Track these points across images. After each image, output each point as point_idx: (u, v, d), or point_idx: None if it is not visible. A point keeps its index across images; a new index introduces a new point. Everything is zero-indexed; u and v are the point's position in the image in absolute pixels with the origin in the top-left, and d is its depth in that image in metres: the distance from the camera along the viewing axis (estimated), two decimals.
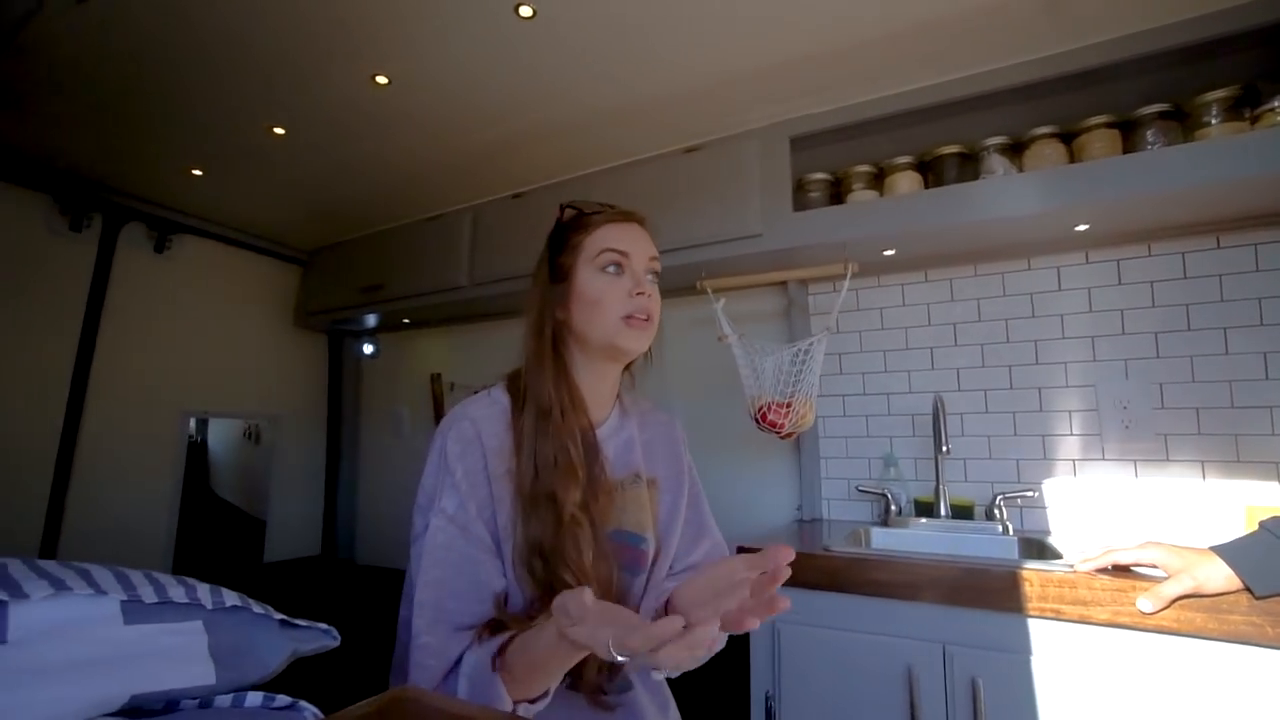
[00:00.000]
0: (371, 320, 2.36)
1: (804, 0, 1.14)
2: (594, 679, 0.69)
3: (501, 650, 0.62)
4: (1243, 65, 1.18)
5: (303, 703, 0.42)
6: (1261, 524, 0.85)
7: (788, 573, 0.52)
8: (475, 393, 0.79)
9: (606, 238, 0.76)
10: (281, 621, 0.45)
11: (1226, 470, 1.27)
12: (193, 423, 2.33)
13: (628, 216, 0.80)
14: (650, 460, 0.83)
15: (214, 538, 2.52)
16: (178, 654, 0.39)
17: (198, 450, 2.50)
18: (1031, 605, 0.92)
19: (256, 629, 0.43)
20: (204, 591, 0.43)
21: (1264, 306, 1.26)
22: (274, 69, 1.32)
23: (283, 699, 0.42)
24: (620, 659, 0.49)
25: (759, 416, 1.45)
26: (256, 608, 0.44)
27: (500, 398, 0.77)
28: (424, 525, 0.70)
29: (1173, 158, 1.12)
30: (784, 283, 1.71)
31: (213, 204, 2.08)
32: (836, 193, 1.49)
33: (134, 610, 0.39)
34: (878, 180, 1.43)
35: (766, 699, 1.13)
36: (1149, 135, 1.17)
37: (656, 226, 0.83)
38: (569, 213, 0.82)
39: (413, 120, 1.53)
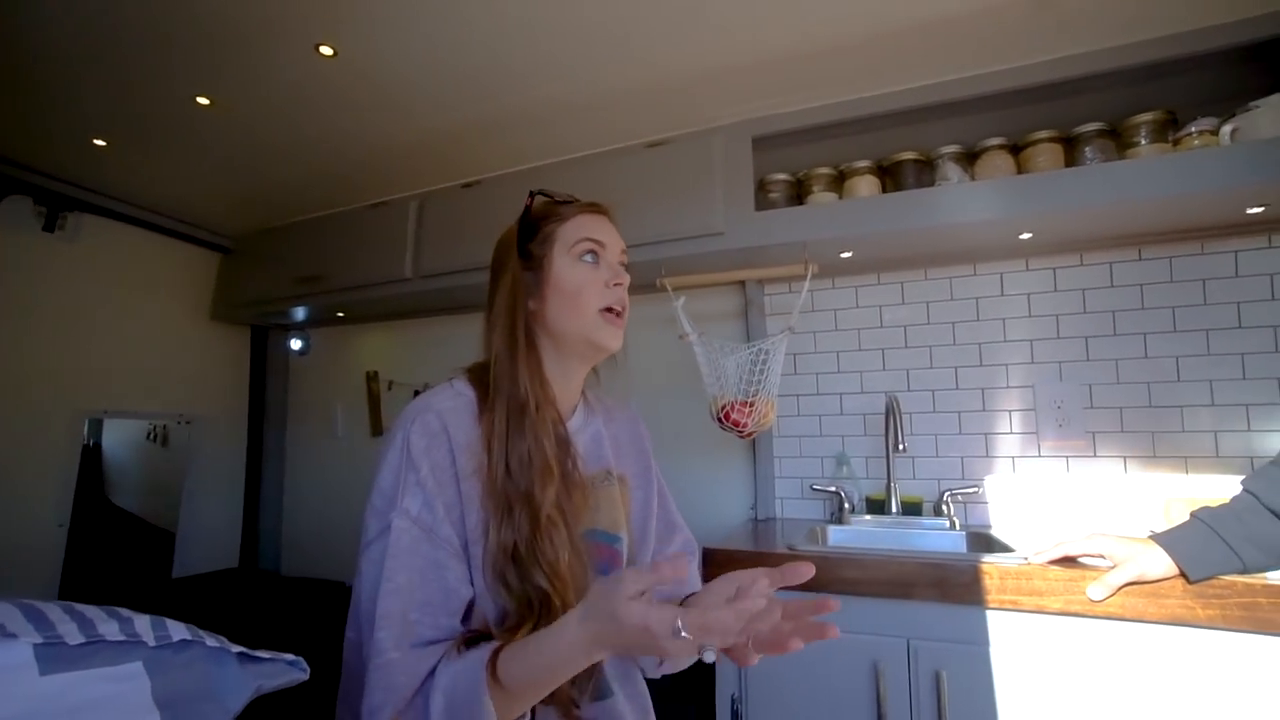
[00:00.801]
0: (301, 313, 2.18)
1: (771, 2, 1.13)
2: (567, 691, 0.64)
3: (493, 659, 0.55)
4: (1169, 92, 1.27)
5: None
6: (1193, 514, 0.91)
7: (835, 607, 0.55)
8: (418, 391, 0.72)
9: (583, 227, 0.73)
10: (241, 655, 0.38)
11: (1145, 464, 1.37)
12: (85, 424, 2.07)
13: (598, 208, 0.77)
14: (619, 457, 0.80)
15: (111, 553, 2.26)
16: (114, 706, 0.32)
17: (91, 455, 2.24)
18: (991, 598, 0.95)
19: (212, 666, 0.37)
20: (144, 625, 0.36)
21: (1177, 315, 1.37)
22: (200, 28, 1.18)
23: None
24: (684, 637, 0.46)
25: (721, 416, 1.44)
26: (210, 640, 0.38)
27: (464, 390, 0.71)
28: (379, 529, 0.63)
29: (1106, 174, 1.20)
30: (742, 282, 1.72)
31: (118, 179, 1.86)
32: (797, 194, 1.51)
33: (53, 655, 0.31)
34: (838, 182, 1.46)
35: (733, 702, 1.12)
36: (1088, 151, 1.25)
37: (631, 216, 0.80)
38: (540, 200, 0.78)
39: (359, 99, 1.42)
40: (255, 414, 2.41)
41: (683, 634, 0.46)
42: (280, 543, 2.38)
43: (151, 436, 2.48)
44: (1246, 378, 1.32)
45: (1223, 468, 1.31)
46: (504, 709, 0.54)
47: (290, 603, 1.87)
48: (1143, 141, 1.23)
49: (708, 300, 1.74)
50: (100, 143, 1.62)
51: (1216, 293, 1.34)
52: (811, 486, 1.61)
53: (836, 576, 1.04)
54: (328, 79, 1.34)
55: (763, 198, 1.52)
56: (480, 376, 0.72)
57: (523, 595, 0.62)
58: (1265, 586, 0.84)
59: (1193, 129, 1.20)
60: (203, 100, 1.41)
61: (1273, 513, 0.84)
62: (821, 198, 1.45)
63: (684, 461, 1.72)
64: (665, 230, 1.50)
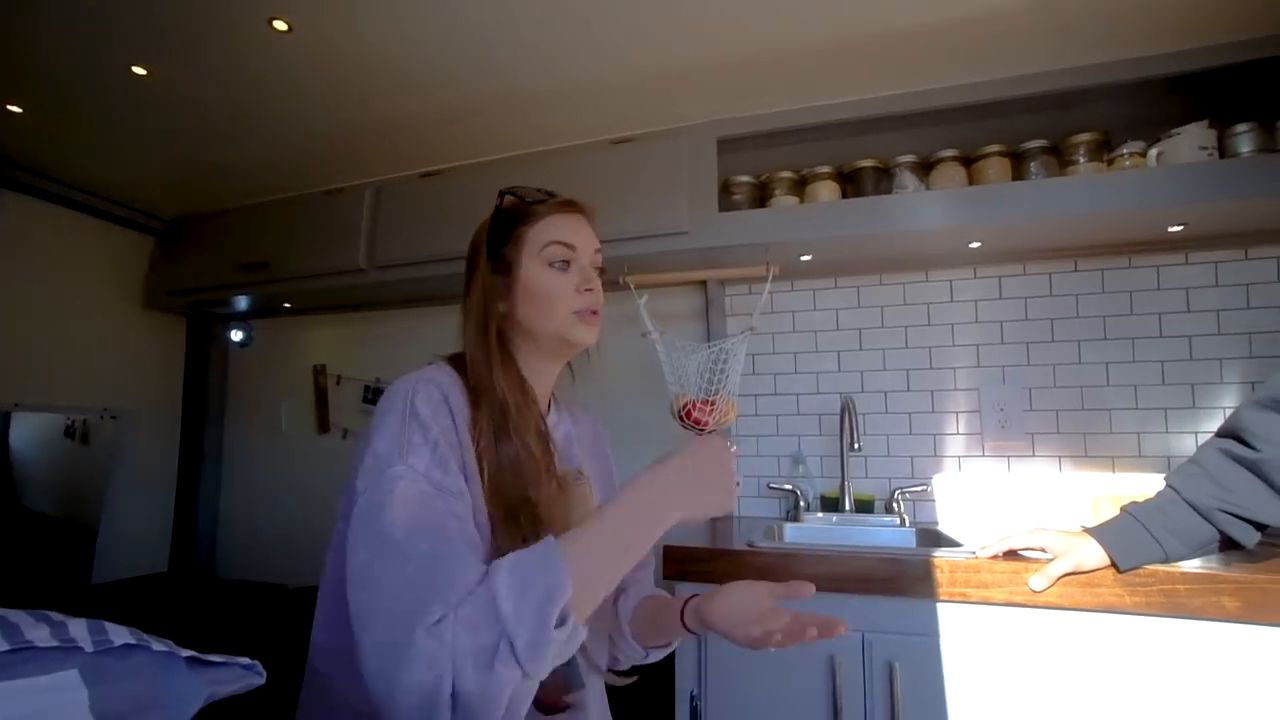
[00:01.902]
0: (244, 303, 2.07)
1: (739, 4, 1.15)
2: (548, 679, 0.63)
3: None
4: (1105, 114, 1.36)
5: None
6: (1124, 509, 0.98)
7: (843, 631, 0.62)
8: (369, 387, 0.70)
9: (554, 230, 0.72)
10: (190, 660, 0.36)
11: (1077, 464, 1.46)
12: None
13: (572, 206, 0.75)
14: (584, 456, 0.81)
15: (20, 558, 2.09)
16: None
17: None
18: (942, 590, 0.99)
19: (159, 673, 0.34)
20: (80, 629, 0.33)
21: (1107, 324, 1.47)
22: None
23: None
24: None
25: (683, 414, 1.45)
26: (157, 644, 0.35)
27: (454, 374, 0.69)
28: (369, 485, 0.56)
29: (1048, 189, 1.27)
30: (703, 282, 1.73)
31: (35, 150, 1.71)
32: (760, 196, 1.53)
33: None
34: (799, 187, 1.49)
35: (691, 699, 1.12)
36: (1033, 166, 1.32)
37: (598, 216, 0.79)
38: (510, 200, 0.76)
39: (314, 79, 1.36)
40: (190, 409, 2.26)
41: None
42: (216, 545, 2.24)
43: (70, 432, 2.30)
44: (1165, 383, 1.42)
45: (1145, 467, 1.41)
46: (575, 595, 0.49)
47: (228, 608, 1.76)
48: (1081, 160, 1.31)
49: (670, 299, 1.75)
50: (15, 109, 1.49)
51: (1141, 304, 1.44)
52: (768, 485, 1.64)
53: (795, 572, 1.06)
54: (281, 56, 1.27)
55: (726, 199, 1.54)
56: (460, 366, 0.71)
57: None
58: (1183, 574, 0.91)
59: (1124, 151, 1.28)
60: (139, 70, 1.31)
61: (1191, 505, 0.90)
62: (783, 201, 1.48)
63: (642, 459, 1.69)
64: (629, 228, 1.49)
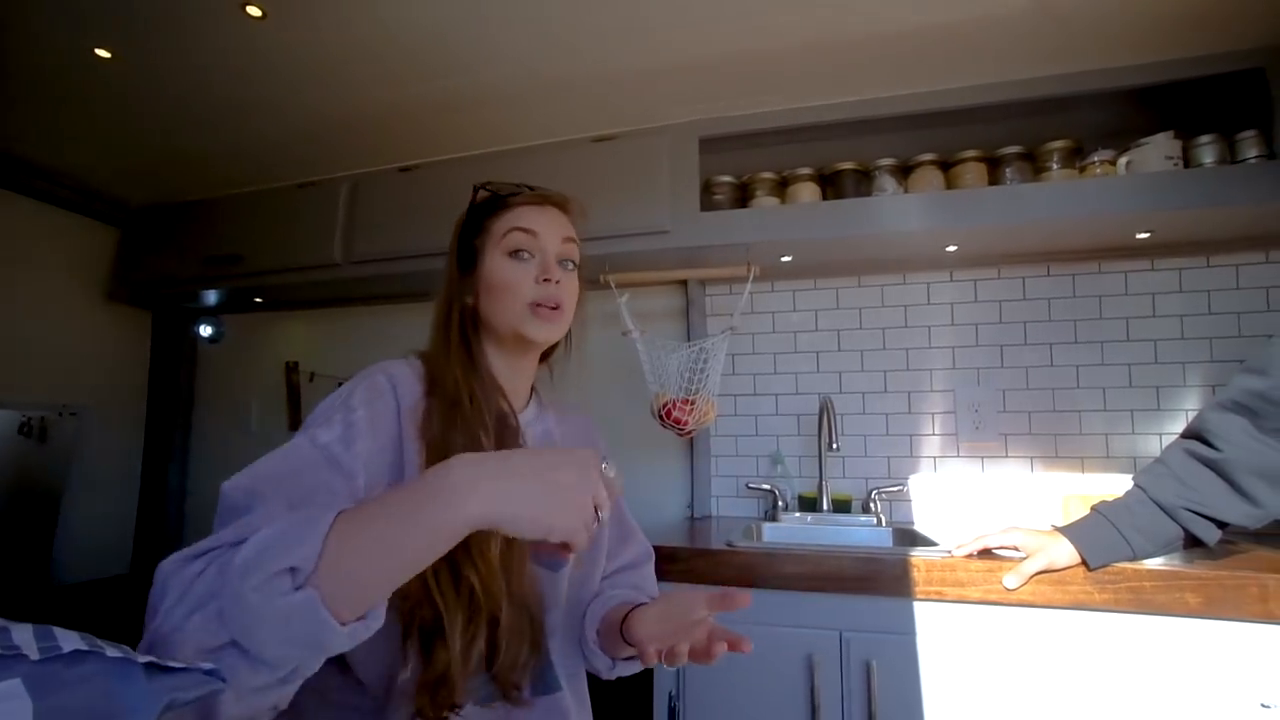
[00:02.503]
0: (214, 298, 2.01)
1: (721, 6, 1.15)
2: (510, 676, 0.61)
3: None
4: (1078, 122, 1.39)
5: None
6: (1094, 508, 1.00)
7: (745, 603, 0.56)
8: (343, 384, 0.68)
9: (515, 218, 0.71)
10: (148, 666, 0.34)
11: (1049, 464, 1.49)
12: None
13: (545, 199, 0.74)
14: None
15: None
16: None
17: None
18: (919, 589, 1.00)
19: (113, 682, 0.32)
20: (24, 635, 0.31)
21: (1078, 327, 1.50)
22: None
23: None
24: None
25: (663, 413, 1.45)
26: (111, 651, 0.33)
27: (419, 367, 0.69)
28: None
29: (1023, 194, 1.29)
30: (684, 282, 1.73)
31: None
32: (741, 197, 1.53)
33: None
34: (780, 188, 1.49)
35: (670, 700, 1.12)
36: (1009, 172, 1.35)
37: (580, 212, 0.78)
38: (483, 194, 0.76)
39: (289, 68, 1.32)
40: (156, 406, 2.19)
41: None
42: (183, 546, 2.17)
43: (25, 430, 2.21)
44: (1133, 386, 1.46)
45: (1113, 467, 1.45)
46: (332, 579, 0.40)
47: None
48: (1054, 167, 1.34)
49: (650, 298, 1.75)
50: None
51: (1110, 308, 1.48)
52: (747, 485, 1.65)
53: (774, 572, 1.06)
54: (254, 42, 1.23)
55: (707, 199, 1.54)
56: (431, 361, 0.71)
57: (450, 584, 0.58)
58: (1149, 571, 0.93)
59: (1095, 158, 1.32)
60: (102, 53, 1.26)
61: (1157, 504, 0.92)
62: (764, 202, 1.48)
63: (621, 459, 1.69)
64: (611, 226, 1.48)
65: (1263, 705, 0.86)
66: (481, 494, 0.42)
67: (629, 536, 0.85)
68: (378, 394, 0.63)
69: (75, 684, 0.31)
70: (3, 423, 2.21)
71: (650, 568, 0.86)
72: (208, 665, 0.37)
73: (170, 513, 2.16)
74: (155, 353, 2.21)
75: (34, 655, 0.30)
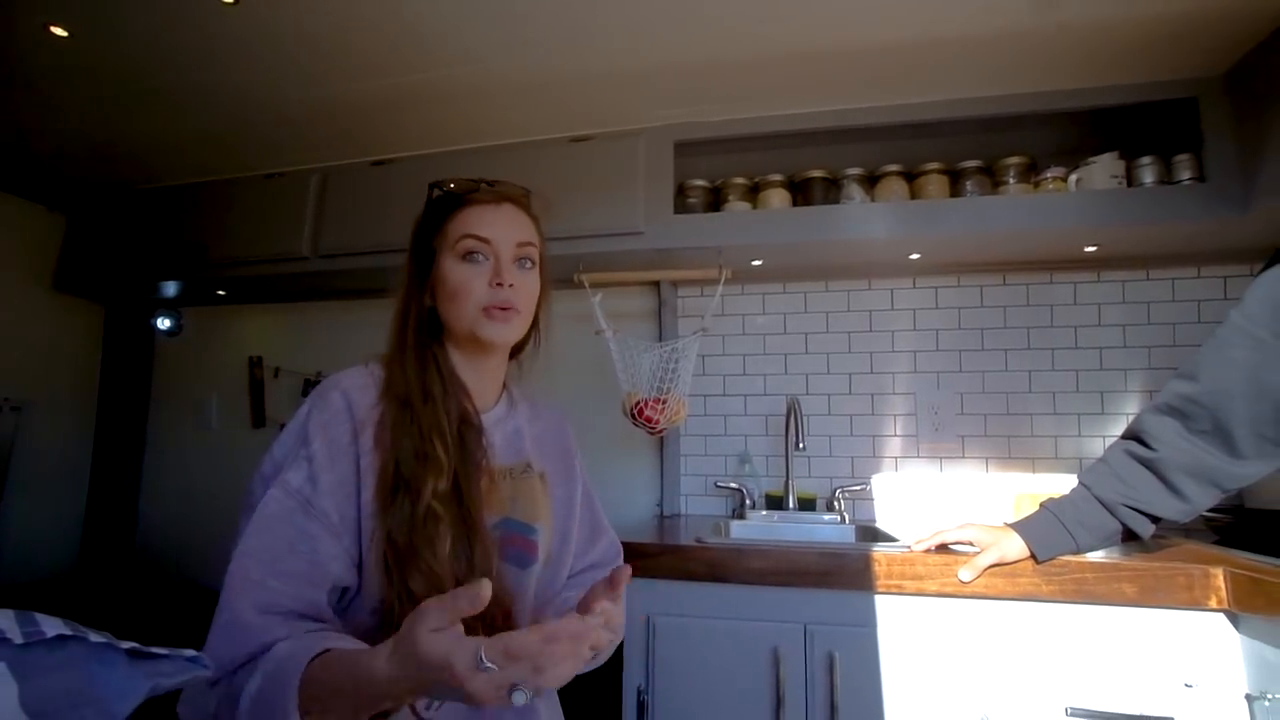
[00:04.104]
0: (173, 289, 1.95)
1: (699, 13, 1.18)
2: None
3: (322, 655, 0.51)
4: (1033, 139, 1.46)
5: None
6: (1043, 505, 1.05)
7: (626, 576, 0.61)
8: (308, 379, 0.69)
9: (468, 223, 0.71)
10: (131, 652, 0.34)
11: (1002, 465, 1.56)
12: None
13: (500, 197, 0.74)
14: (541, 453, 0.80)
15: None
16: None
17: None
18: (880, 583, 1.04)
19: (95, 666, 0.32)
20: (7, 620, 0.31)
21: (1031, 335, 1.58)
22: None
23: None
24: (487, 667, 0.41)
25: (634, 412, 1.47)
26: (94, 636, 0.33)
27: (378, 373, 0.70)
28: (262, 494, 0.62)
29: (981, 206, 1.36)
30: (657, 283, 1.76)
31: None
32: (714, 201, 1.57)
33: None
34: (752, 193, 1.53)
35: (639, 694, 1.13)
36: (969, 185, 1.41)
37: (542, 206, 0.78)
38: (438, 193, 0.76)
39: (259, 54, 1.29)
40: (108, 401, 2.11)
41: (485, 664, 0.41)
42: (136, 546, 2.09)
43: None
44: (1080, 391, 1.54)
45: (1061, 468, 1.53)
46: (318, 713, 0.50)
47: (147, 609, 1.65)
48: (1010, 181, 1.41)
49: (623, 299, 1.76)
50: None
51: (1061, 317, 1.56)
52: (715, 484, 1.68)
53: (742, 567, 1.09)
54: (226, 27, 1.20)
55: (681, 202, 1.57)
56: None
57: (401, 590, 0.60)
58: (1090, 564, 0.99)
59: (1048, 175, 1.39)
60: (59, 31, 1.21)
61: (1100, 501, 0.98)
62: (736, 206, 1.52)
63: (591, 457, 1.69)
64: (585, 226, 1.50)
65: (1186, 685, 0.93)
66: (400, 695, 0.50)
67: (599, 535, 0.86)
68: (332, 416, 0.65)
69: (58, 668, 0.31)
70: None
71: (617, 565, 0.87)
72: (190, 652, 0.37)
73: (120, 510, 2.08)
74: (108, 345, 2.13)
75: (18, 639, 0.30)
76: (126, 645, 0.34)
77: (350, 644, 0.54)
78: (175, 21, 1.20)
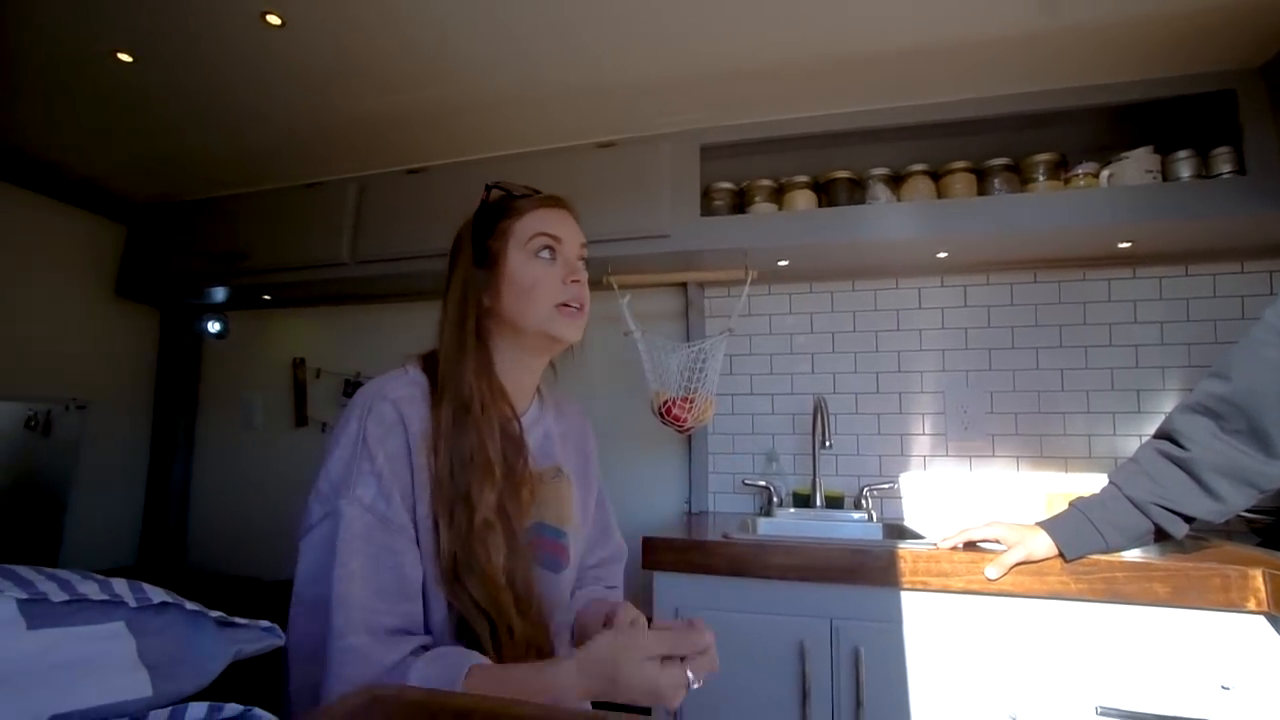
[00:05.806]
0: (222, 294, 2.05)
1: (724, 20, 1.20)
2: None
3: (469, 674, 0.56)
4: (1063, 136, 1.45)
5: (257, 710, 0.36)
6: (1072, 504, 1.05)
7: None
8: (349, 380, 0.72)
9: (539, 222, 0.74)
10: (219, 620, 0.39)
11: (1033, 464, 1.55)
12: None
13: (557, 202, 0.78)
14: (565, 454, 0.82)
15: None
16: (102, 663, 0.32)
17: None
18: (905, 579, 1.05)
19: (191, 630, 0.37)
20: (122, 586, 0.36)
21: (1063, 333, 1.56)
22: None
23: (232, 708, 0.36)
24: (696, 686, 0.51)
25: (663, 411, 1.50)
26: (189, 605, 0.38)
27: (419, 378, 0.71)
28: (323, 514, 0.63)
29: (1009, 204, 1.35)
30: (684, 284, 1.78)
31: (3, 132, 1.67)
32: (739, 203, 1.59)
33: (39, 612, 0.31)
34: (777, 195, 1.55)
35: None
36: (996, 182, 1.40)
37: (581, 215, 0.81)
38: (496, 194, 0.78)
39: (304, 73, 1.36)
40: (163, 401, 2.23)
41: (695, 684, 0.51)
42: (187, 539, 2.21)
43: (32, 424, 2.24)
44: (1114, 389, 1.52)
45: (1094, 467, 1.50)
46: None
47: (201, 600, 1.74)
48: (1040, 178, 1.39)
49: (651, 300, 1.80)
50: None
51: (1094, 314, 1.54)
52: (743, 481, 1.70)
53: (769, 563, 1.11)
54: (272, 49, 1.28)
55: (707, 204, 1.59)
56: (432, 365, 0.72)
57: (467, 602, 0.63)
58: (1121, 563, 0.98)
59: (1079, 171, 1.37)
60: (125, 57, 1.30)
61: (1130, 500, 0.98)
62: (762, 208, 1.54)
63: (621, 455, 1.76)
64: (613, 229, 1.53)
65: (1223, 687, 0.92)
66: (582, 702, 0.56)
67: (608, 534, 0.88)
68: (389, 430, 0.65)
69: (162, 629, 0.36)
70: (8, 417, 2.24)
71: (620, 566, 0.90)
72: (265, 623, 0.42)
73: (176, 506, 2.20)
74: (163, 348, 2.25)
75: (131, 603, 0.35)
76: (215, 614, 0.39)
77: (476, 659, 0.58)
78: (228, 46, 1.27)
